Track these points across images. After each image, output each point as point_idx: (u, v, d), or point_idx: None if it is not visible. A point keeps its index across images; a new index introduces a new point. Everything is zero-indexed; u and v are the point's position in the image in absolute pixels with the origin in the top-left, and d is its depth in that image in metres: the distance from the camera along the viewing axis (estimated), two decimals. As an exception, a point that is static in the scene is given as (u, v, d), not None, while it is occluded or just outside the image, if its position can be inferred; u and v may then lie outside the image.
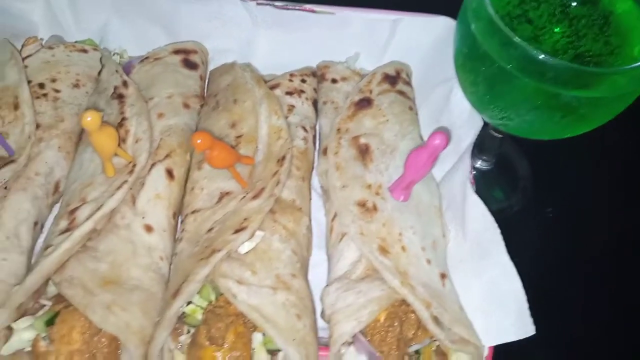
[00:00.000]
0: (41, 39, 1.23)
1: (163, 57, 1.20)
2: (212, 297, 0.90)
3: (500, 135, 1.14)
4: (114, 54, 1.25)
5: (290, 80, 1.21)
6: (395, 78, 1.21)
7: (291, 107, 1.17)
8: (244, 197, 0.98)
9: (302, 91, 1.20)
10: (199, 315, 0.89)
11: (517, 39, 0.82)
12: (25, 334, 0.86)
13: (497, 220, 0.98)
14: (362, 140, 1.09)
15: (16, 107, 1.04)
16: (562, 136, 0.96)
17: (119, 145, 0.95)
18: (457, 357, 0.93)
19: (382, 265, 0.92)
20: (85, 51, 1.21)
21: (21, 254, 0.95)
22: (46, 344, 0.84)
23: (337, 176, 1.05)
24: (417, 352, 0.92)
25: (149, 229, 0.96)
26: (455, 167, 1.09)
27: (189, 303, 0.89)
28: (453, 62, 1.04)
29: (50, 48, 1.18)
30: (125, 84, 1.09)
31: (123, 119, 1.03)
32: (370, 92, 1.17)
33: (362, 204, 1.01)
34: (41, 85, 1.11)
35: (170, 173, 1.03)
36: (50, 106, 1.10)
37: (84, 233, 0.89)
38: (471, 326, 0.93)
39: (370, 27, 1.29)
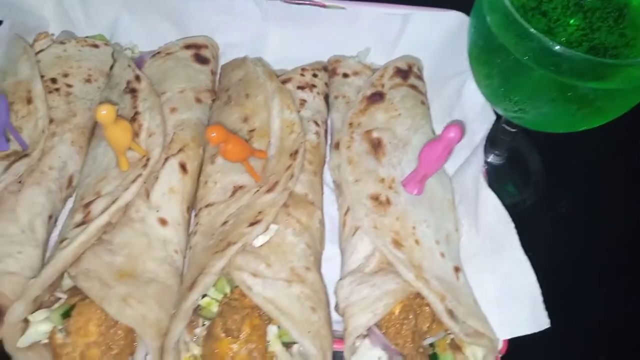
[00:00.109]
0: (52, 35, 1.23)
1: (174, 52, 1.20)
2: (227, 290, 0.90)
3: (513, 130, 1.14)
4: (125, 49, 1.25)
5: (302, 75, 1.21)
6: (407, 72, 1.21)
7: (303, 102, 1.17)
8: (258, 190, 0.98)
9: (313, 85, 1.20)
10: (214, 308, 0.89)
11: (533, 31, 0.81)
12: (41, 326, 0.86)
13: (510, 214, 0.97)
14: (375, 135, 1.09)
15: (29, 101, 1.05)
16: (577, 129, 0.95)
17: (132, 139, 0.95)
18: (472, 350, 0.93)
19: (396, 259, 0.92)
20: (96, 46, 1.21)
21: (36, 248, 0.95)
22: (63, 336, 0.84)
23: (350, 170, 1.04)
24: (431, 345, 0.92)
25: (163, 222, 0.96)
26: (468, 161, 1.09)
27: (204, 296, 0.89)
28: (467, 56, 1.03)
29: (62, 43, 1.19)
30: (137, 78, 1.09)
31: (136, 113, 1.04)
32: (382, 86, 1.17)
33: (375, 198, 1.01)
34: (53, 80, 1.12)
35: (183, 167, 1.03)
36: (63, 101, 1.10)
37: (100, 226, 0.89)
38: (486, 319, 0.93)
39: (381, 22, 1.28)
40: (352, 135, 1.09)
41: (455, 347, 0.93)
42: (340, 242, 1.06)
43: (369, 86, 1.16)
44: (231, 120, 1.11)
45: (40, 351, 0.87)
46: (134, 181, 0.94)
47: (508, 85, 0.91)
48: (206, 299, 0.89)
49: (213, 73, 1.24)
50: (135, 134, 1.01)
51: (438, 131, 1.18)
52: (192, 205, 1.05)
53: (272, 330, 0.89)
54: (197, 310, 0.89)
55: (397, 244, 0.95)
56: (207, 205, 1.00)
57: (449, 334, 0.92)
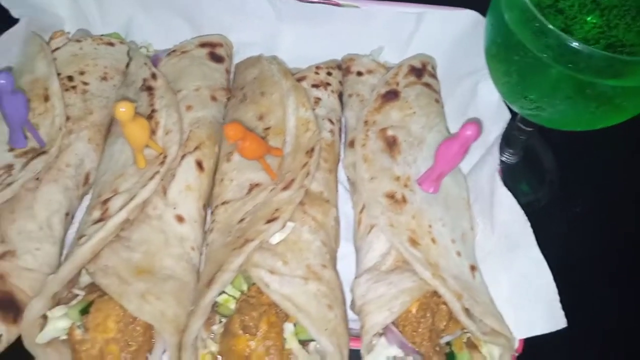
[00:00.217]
0: (68, 33, 1.24)
1: (189, 50, 1.20)
2: (244, 287, 0.91)
3: (528, 129, 1.14)
4: (140, 48, 1.26)
5: (317, 73, 1.21)
6: (421, 70, 1.21)
7: (317, 100, 1.17)
8: (274, 188, 0.98)
9: (328, 84, 1.20)
10: (232, 305, 0.89)
11: (551, 27, 0.81)
12: (59, 322, 0.86)
13: (525, 214, 0.97)
14: (390, 133, 1.09)
15: (46, 99, 1.05)
16: (594, 127, 0.95)
17: (149, 136, 0.95)
18: (488, 349, 0.93)
19: (412, 257, 0.92)
20: (112, 44, 1.21)
21: (54, 245, 0.96)
22: (81, 332, 0.85)
23: (365, 168, 1.04)
24: (448, 343, 0.92)
25: (180, 219, 0.97)
26: (483, 160, 1.09)
27: (221, 293, 0.89)
28: (480, 55, 1.03)
29: (78, 41, 1.19)
30: (154, 76, 1.09)
31: (153, 110, 1.04)
32: (397, 84, 1.17)
33: (391, 196, 1.01)
34: (70, 78, 1.12)
35: (200, 165, 1.03)
36: (80, 98, 1.11)
37: (118, 223, 0.89)
38: (502, 318, 0.93)
39: (395, 21, 1.28)
40: (367, 133, 1.09)
41: (472, 345, 0.93)
42: (355, 240, 1.06)
43: (383, 84, 1.16)
44: (247, 118, 1.11)
45: (58, 347, 0.87)
46: (151, 178, 0.94)
47: (526, 82, 0.91)
48: (223, 296, 0.89)
49: (227, 71, 1.25)
50: (152, 132, 1.01)
51: (452, 130, 1.18)
52: (208, 203, 1.06)
53: (288, 327, 0.89)
54: (214, 307, 0.90)
55: (414, 242, 0.95)
56: (223, 203, 1.00)
57: (466, 332, 0.92)
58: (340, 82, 1.25)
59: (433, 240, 0.97)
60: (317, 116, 1.10)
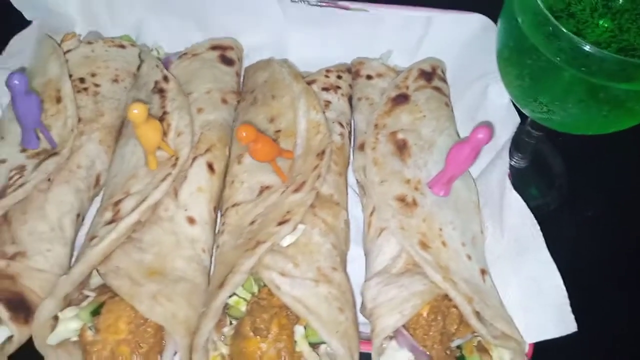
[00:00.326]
0: (79, 35, 1.24)
1: (200, 53, 1.21)
2: (255, 289, 0.91)
3: (538, 133, 1.14)
4: (150, 51, 1.27)
5: (327, 77, 1.21)
6: (431, 74, 1.21)
7: (327, 103, 1.17)
8: (285, 190, 0.98)
9: (338, 87, 1.21)
10: (243, 307, 0.89)
11: (565, 31, 0.81)
12: (70, 323, 0.87)
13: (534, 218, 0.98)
14: (400, 136, 1.09)
15: (58, 100, 1.06)
16: (606, 131, 0.95)
17: (162, 138, 0.96)
18: (499, 353, 0.92)
19: (423, 260, 0.92)
20: (123, 47, 1.22)
21: (65, 246, 0.96)
22: (92, 333, 0.85)
23: (375, 171, 1.05)
24: (459, 347, 0.92)
25: (191, 221, 0.97)
26: (493, 164, 1.09)
27: (232, 295, 0.89)
28: (490, 58, 1.04)
29: (90, 43, 1.20)
30: (165, 78, 1.10)
31: (164, 113, 1.05)
32: (407, 88, 1.17)
33: (401, 199, 1.01)
34: (82, 80, 1.13)
35: (211, 167, 1.03)
36: (91, 100, 1.11)
37: (130, 224, 0.90)
38: (512, 322, 0.92)
39: (404, 25, 1.29)
40: (377, 137, 1.09)
41: (482, 349, 0.93)
42: (364, 243, 1.06)
43: (393, 88, 1.17)
44: (257, 120, 1.11)
45: (69, 349, 0.87)
46: (163, 180, 0.95)
47: (538, 86, 0.91)
48: (234, 298, 0.90)
49: (238, 74, 1.25)
50: (164, 134, 1.01)
51: (462, 133, 1.19)
52: (219, 205, 1.06)
53: (299, 330, 0.89)
54: (225, 310, 0.90)
55: (424, 245, 0.95)
56: (234, 205, 1.01)
57: (476, 336, 0.92)
58: (350, 86, 1.25)
59: (443, 244, 0.97)
60: (327, 119, 1.10)
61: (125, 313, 0.84)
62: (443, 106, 1.17)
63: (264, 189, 1.01)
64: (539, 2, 0.84)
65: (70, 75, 1.11)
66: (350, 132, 1.20)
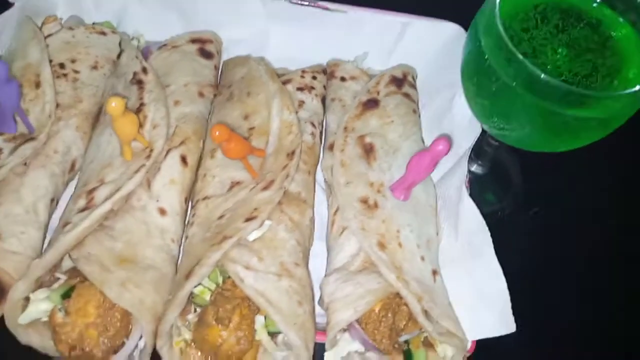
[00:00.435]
0: (60, 19, 1.25)
1: (180, 46, 1.23)
2: (220, 280, 0.96)
3: (496, 143, 1.20)
4: (131, 39, 1.28)
5: (302, 77, 1.25)
6: (401, 81, 1.26)
7: (301, 103, 1.21)
8: (254, 187, 1.03)
9: (312, 87, 1.25)
10: (207, 296, 0.94)
11: (520, 57, 0.87)
12: (41, 305, 0.91)
13: (489, 222, 1.04)
14: (368, 140, 1.15)
15: (37, 85, 1.07)
16: (557, 150, 1.02)
17: (138, 131, 0.99)
18: (443, 348, 0.99)
19: (379, 260, 0.98)
20: (104, 34, 1.23)
21: (38, 229, 0.99)
22: (62, 315, 0.89)
23: (342, 172, 1.10)
24: (406, 341, 0.99)
25: (162, 212, 1.01)
26: (453, 170, 1.15)
27: (197, 285, 0.94)
28: (460, 71, 1.09)
29: (71, 29, 1.21)
30: (144, 70, 1.12)
31: (141, 104, 1.07)
32: (378, 93, 1.22)
33: (364, 201, 1.07)
34: (61, 65, 1.14)
35: (184, 159, 1.07)
36: (70, 86, 1.13)
37: (103, 213, 0.93)
38: (457, 320, 0.99)
39: (381, 28, 1.33)
40: (346, 139, 1.14)
41: (428, 344, 1.00)
42: (327, 240, 1.12)
43: (365, 92, 1.22)
44: (232, 117, 1.15)
45: (39, 329, 0.91)
46: (137, 171, 0.98)
47: (495, 106, 0.97)
48: (200, 288, 0.95)
49: (216, 68, 1.28)
50: (140, 125, 1.04)
51: (427, 138, 1.24)
52: (190, 196, 1.10)
53: (259, 320, 0.95)
54: (190, 298, 0.95)
55: (382, 245, 1.01)
56: (204, 198, 1.05)
57: (423, 332, 0.99)
58: (324, 86, 1.30)
59: (400, 245, 1.03)
60: (299, 120, 1.15)
61: (95, 297, 0.89)
62: (411, 112, 1.22)
63: (234, 184, 1.06)
64: (499, 26, 0.89)
65: (50, 61, 1.12)
66: (321, 132, 1.25)
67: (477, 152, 1.27)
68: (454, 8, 1.27)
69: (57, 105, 1.09)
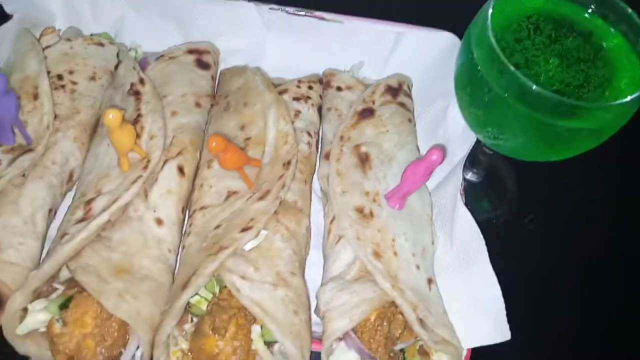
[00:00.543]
0: (59, 30, 1.26)
1: (178, 56, 1.24)
2: (217, 290, 0.97)
3: (491, 152, 1.21)
4: (129, 50, 1.29)
5: (298, 87, 1.26)
6: (397, 90, 1.27)
7: (297, 113, 1.22)
8: (250, 197, 1.04)
9: (308, 97, 1.26)
10: (204, 306, 0.95)
11: (511, 68, 0.88)
12: (39, 315, 0.91)
13: (484, 230, 1.05)
14: (363, 149, 1.16)
15: (35, 97, 1.09)
16: (550, 159, 1.03)
17: (135, 142, 1.00)
18: (438, 357, 1.00)
19: (375, 269, 0.99)
20: (102, 45, 1.24)
21: (36, 240, 1.00)
22: (60, 326, 0.90)
23: (337, 182, 1.11)
24: (402, 350, 0.99)
25: (159, 222, 1.02)
26: (448, 179, 1.17)
27: (194, 294, 0.95)
28: (453, 81, 1.10)
29: (69, 40, 1.22)
30: (142, 81, 1.13)
31: (139, 115, 1.09)
32: (373, 102, 1.24)
33: (360, 210, 1.07)
34: (59, 77, 1.16)
35: (181, 170, 1.08)
36: (68, 97, 1.14)
37: (100, 224, 0.94)
38: (453, 329, 1.00)
39: (376, 38, 1.34)
40: (342, 149, 1.16)
41: (424, 352, 1.01)
42: (323, 248, 1.13)
43: (360, 102, 1.23)
44: (229, 127, 1.16)
45: (37, 339, 0.92)
46: (134, 182, 0.99)
47: (489, 117, 0.98)
48: (196, 297, 0.96)
49: (213, 78, 1.29)
50: (137, 136, 1.05)
51: (422, 147, 1.26)
52: (187, 205, 1.11)
53: (255, 329, 0.95)
54: (187, 307, 0.96)
55: (377, 254, 1.02)
56: (201, 208, 1.06)
57: (419, 340, 0.99)
58: (320, 96, 1.31)
59: (395, 254, 1.04)
60: (295, 129, 1.16)
61: (92, 308, 0.89)
62: (406, 122, 1.23)
63: (230, 194, 1.07)
64: (492, 38, 0.91)
65: (49, 72, 1.13)
66: (317, 141, 1.26)
67: (472, 160, 1.28)
68: (449, 17, 1.29)
69: (55, 117, 1.10)
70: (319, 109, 1.29)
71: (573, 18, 1.02)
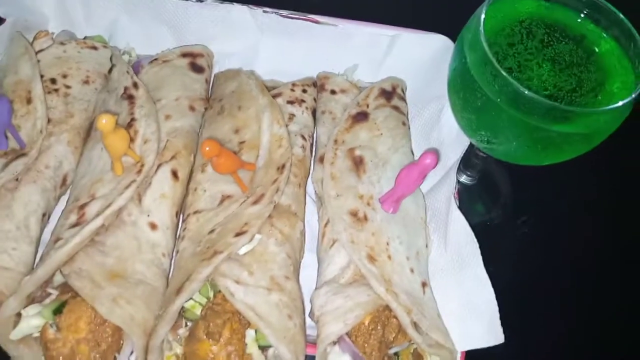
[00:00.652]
0: (52, 33, 1.26)
1: (171, 60, 1.24)
2: (211, 295, 0.97)
3: (484, 155, 1.22)
4: (123, 53, 1.29)
5: (292, 90, 1.26)
6: (391, 93, 1.28)
7: (292, 116, 1.23)
8: (245, 201, 1.04)
9: (302, 101, 1.26)
10: (198, 311, 0.95)
11: (503, 74, 0.89)
12: (33, 320, 0.91)
13: (478, 232, 1.05)
14: (357, 153, 1.16)
15: (29, 101, 1.08)
16: (542, 163, 1.03)
17: (128, 146, 1.00)
18: (433, 360, 1.01)
19: (369, 273, 0.99)
20: (95, 48, 1.24)
21: (30, 244, 1.00)
22: (54, 331, 0.90)
23: (332, 185, 1.11)
24: (396, 354, 1.00)
25: (153, 226, 1.02)
26: (442, 182, 1.17)
27: (188, 299, 0.95)
28: (447, 85, 1.11)
29: (62, 44, 1.22)
30: (135, 85, 1.13)
31: (132, 119, 1.08)
32: (367, 106, 1.24)
33: (354, 214, 1.08)
34: (53, 81, 1.15)
35: (175, 174, 1.08)
36: (61, 101, 1.14)
37: (94, 229, 0.94)
38: (447, 332, 1.01)
39: (370, 41, 1.34)
40: (336, 152, 1.16)
41: (418, 356, 1.01)
42: (318, 252, 1.13)
43: (354, 105, 1.23)
44: (223, 131, 1.16)
45: (31, 344, 0.92)
46: (128, 186, 0.99)
47: (481, 121, 0.99)
48: (190, 302, 0.95)
49: (207, 82, 1.29)
50: (131, 140, 1.05)
51: (416, 150, 1.26)
52: (181, 210, 1.11)
53: (250, 333, 0.95)
54: (181, 312, 0.95)
55: (371, 258, 1.03)
56: (195, 212, 1.06)
57: (413, 344, 1.00)
58: (315, 99, 1.31)
59: (389, 257, 1.04)
60: (289, 133, 1.16)
61: (86, 313, 0.89)
62: (400, 125, 1.24)
63: (225, 198, 1.06)
64: (484, 43, 0.91)
65: (42, 76, 1.13)
66: (312, 145, 1.26)
67: (466, 163, 1.29)
68: (443, 21, 1.29)
69: (49, 121, 1.10)
70: (313, 113, 1.29)
71: (565, 23, 1.03)
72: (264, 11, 1.31)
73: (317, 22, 1.32)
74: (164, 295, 0.98)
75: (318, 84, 1.34)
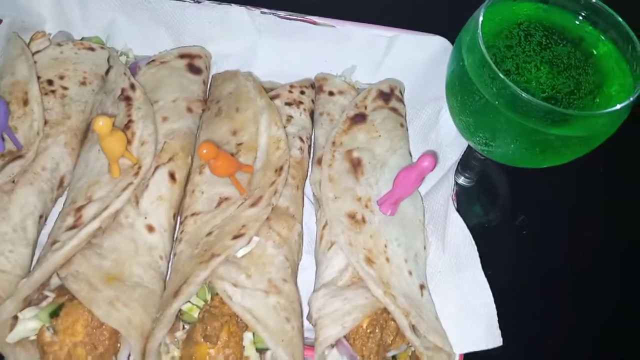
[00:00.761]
0: (49, 34, 1.25)
1: (169, 61, 1.24)
2: (208, 297, 0.97)
3: (482, 156, 1.22)
4: (120, 54, 1.29)
5: (290, 92, 1.26)
6: (389, 95, 1.27)
7: (290, 118, 1.22)
8: (242, 203, 1.04)
9: (300, 102, 1.25)
10: (195, 314, 0.95)
11: (501, 76, 0.89)
12: (29, 323, 0.91)
13: (476, 234, 1.05)
14: (355, 154, 1.16)
15: (25, 103, 1.08)
16: (540, 166, 1.03)
17: (125, 148, 0.99)
18: (431, 363, 1.01)
19: (367, 275, 0.99)
20: (92, 49, 1.24)
21: (27, 247, 0.99)
22: (51, 334, 0.89)
23: (329, 187, 1.11)
24: (394, 357, 0.99)
25: (150, 228, 1.01)
26: (440, 184, 1.17)
27: (186, 302, 0.95)
28: (445, 87, 1.10)
29: (59, 45, 1.21)
30: (132, 86, 1.13)
31: (130, 121, 1.08)
32: (365, 107, 1.24)
33: (352, 216, 1.08)
34: (50, 82, 1.15)
35: (172, 176, 1.08)
36: (58, 103, 1.13)
37: (91, 231, 0.94)
38: (445, 335, 1.01)
39: (368, 42, 1.34)
40: (334, 154, 1.16)
41: (416, 359, 1.01)
42: (316, 254, 1.13)
43: (352, 107, 1.23)
44: (221, 132, 1.16)
45: (27, 348, 0.91)
46: (125, 189, 0.99)
47: (479, 124, 0.98)
48: (188, 305, 0.95)
49: (205, 83, 1.28)
50: (128, 142, 1.05)
51: (414, 152, 1.26)
52: (178, 212, 1.11)
53: (247, 336, 0.95)
54: (178, 315, 0.95)
55: (369, 261, 1.02)
56: (192, 214, 1.06)
57: (411, 347, 1.00)
58: (313, 101, 1.31)
59: (387, 260, 1.04)
60: (287, 135, 1.16)
61: (83, 316, 0.89)
62: (398, 126, 1.24)
63: (222, 201, 1.06)
64: (482, 46, 0.91)
65: (39, 77, 1.12)
66: (310, 147, 1.26)
67: (464, 165, 1.29)
68: (441, 22, 1.29)
69: (46, 122, 1.09)
70: (311, 114, 1.29)
71: (563, 25, 1.03)
72: (262, 12, 1.31)
73: (315, 23, 1.32)
74: (162, 298, 0.98)
75: (316, 86, 1.33)
